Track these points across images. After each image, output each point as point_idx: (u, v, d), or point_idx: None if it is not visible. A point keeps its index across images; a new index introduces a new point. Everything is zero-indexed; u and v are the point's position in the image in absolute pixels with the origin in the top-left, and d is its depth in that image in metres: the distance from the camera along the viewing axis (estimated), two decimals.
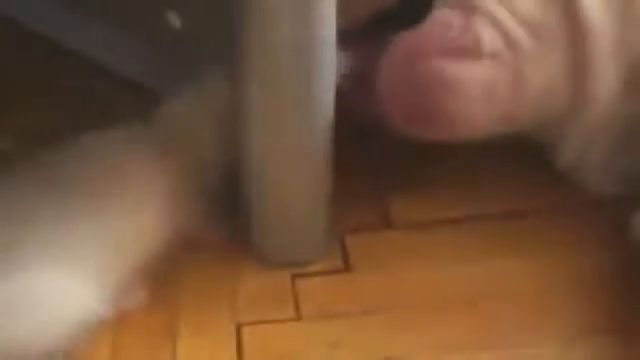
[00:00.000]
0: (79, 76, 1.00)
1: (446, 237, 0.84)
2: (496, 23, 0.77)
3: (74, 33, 0.95)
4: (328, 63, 0.71)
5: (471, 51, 0.77)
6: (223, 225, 0.82)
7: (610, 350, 0.73)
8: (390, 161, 0.91)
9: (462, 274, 0.81)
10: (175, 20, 0.70)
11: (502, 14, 0.77)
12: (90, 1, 0.77)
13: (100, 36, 0.90)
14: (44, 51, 1.03)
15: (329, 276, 0.81)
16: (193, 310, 0.77)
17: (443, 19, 0.78)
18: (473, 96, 0.77)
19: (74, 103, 0.96)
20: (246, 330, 0.76)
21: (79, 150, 0.77)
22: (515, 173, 0.88)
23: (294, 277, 0.80)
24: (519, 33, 0.77)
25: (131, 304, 0.76)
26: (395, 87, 0.78)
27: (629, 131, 0.81)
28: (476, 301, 0.78)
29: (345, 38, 0.74)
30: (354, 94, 0.79)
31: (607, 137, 0.82)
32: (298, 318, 0.77)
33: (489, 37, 0.77)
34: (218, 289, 0.79)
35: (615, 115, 0.80)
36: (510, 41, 0.77)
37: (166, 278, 0.78)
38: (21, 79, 1.01)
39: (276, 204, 0.78)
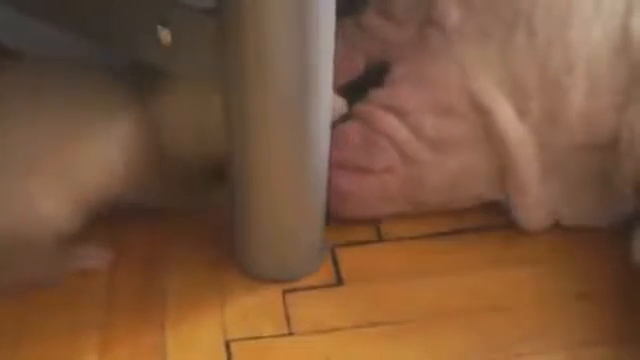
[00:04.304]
0: None
1: (437, 250, 0.84)
2: (395, 143, 0.82)
3: (65, 51, 0.94)
4: (324, 81, 0.71)
5: (364, 168, 0.82)
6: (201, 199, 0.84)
7: None
8: None
9: (456, 286, 0.80)
10: (166, 36, 0.69)
11: (402, 135, 0.82)
12: (80, 19, 0.76)
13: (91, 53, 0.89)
14: None
15: (320, 290, 0.80)
16: (182, 326, 0.76)
17: (345, 134, 0.83)
18: (365, 200, 0.83)
19: None
20: (235, 346, 0.75)
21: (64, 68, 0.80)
22: None
23: (285, 292, 0.79)
24: (420, 150, 0.82)
25: (94, 262, 0.80)
26: None
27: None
28: (471, 313, 0.77)
29: None
30: None
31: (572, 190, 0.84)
32: (289, 333, 0.76)
33: (384, 157, 0.82)
34: (207, 305, 0.78)
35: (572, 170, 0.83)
36: (408, 158, 0.82)
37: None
38: None
39: (267, 218, 0.77)
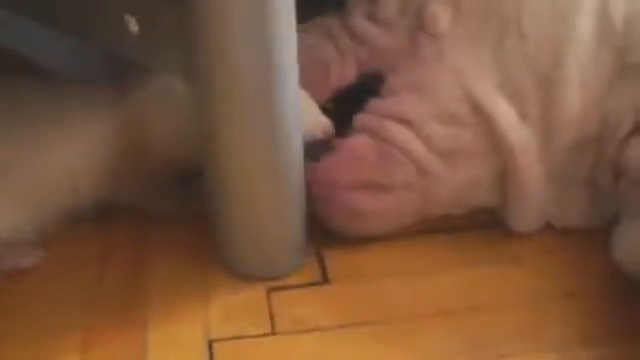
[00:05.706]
0: None
1: (424, 249, 0.83)
2: (410, 157, 0.80)
3: (37, 44, 0.94)
4: (290, 71, 0.70)
5: (383, 185, 0.80)
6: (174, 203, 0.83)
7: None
8: None
9: (442, 285, 0.79)
10: (134, 25, 0.69)
11: (416, 147, 0.80)
12: (49, 10, 0.76)
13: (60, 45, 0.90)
14: None
15: (306, 289, 0.79)
16: (164, 326, 0.75)
17: (357, 150, 0.81)
18: (383, 219, 0.81)
19: None
20: (218, 346, 0.74)
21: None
22: None
23: (269, 291, 0.78)
24: (432, 163, 0.80)
25: (27, 261, 0.79)
26: (317, 206, 0.81)
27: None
28: (458, 313, 0.76)
29: None
30: None
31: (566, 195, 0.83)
32: (273, 333, 0.75)
33: (402, 171, 0.80)
34: (190, 304, 0.77)
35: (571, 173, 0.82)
36: (423, 171, 0.80)
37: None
38: None
39: (246, 216, 0.76)
